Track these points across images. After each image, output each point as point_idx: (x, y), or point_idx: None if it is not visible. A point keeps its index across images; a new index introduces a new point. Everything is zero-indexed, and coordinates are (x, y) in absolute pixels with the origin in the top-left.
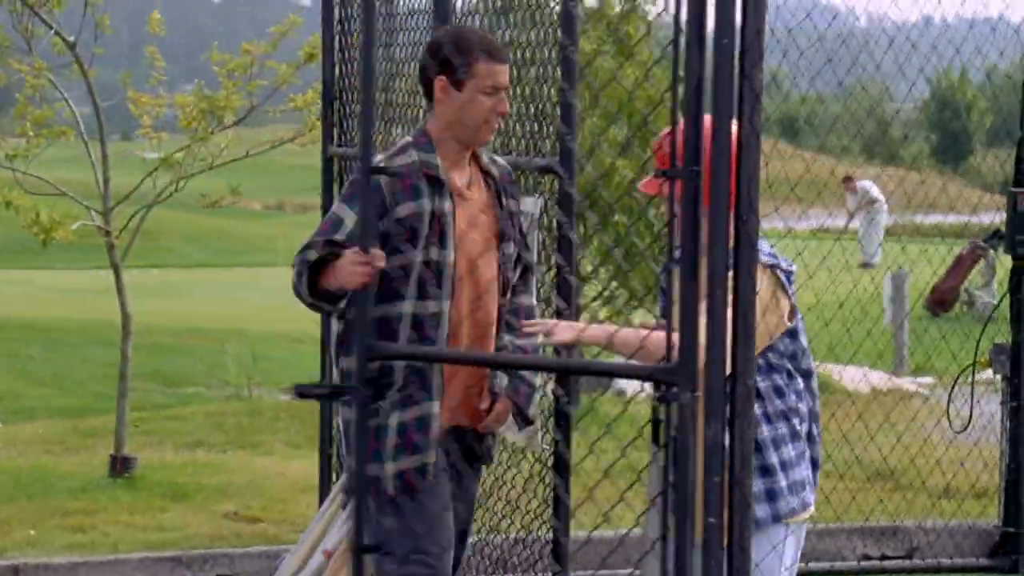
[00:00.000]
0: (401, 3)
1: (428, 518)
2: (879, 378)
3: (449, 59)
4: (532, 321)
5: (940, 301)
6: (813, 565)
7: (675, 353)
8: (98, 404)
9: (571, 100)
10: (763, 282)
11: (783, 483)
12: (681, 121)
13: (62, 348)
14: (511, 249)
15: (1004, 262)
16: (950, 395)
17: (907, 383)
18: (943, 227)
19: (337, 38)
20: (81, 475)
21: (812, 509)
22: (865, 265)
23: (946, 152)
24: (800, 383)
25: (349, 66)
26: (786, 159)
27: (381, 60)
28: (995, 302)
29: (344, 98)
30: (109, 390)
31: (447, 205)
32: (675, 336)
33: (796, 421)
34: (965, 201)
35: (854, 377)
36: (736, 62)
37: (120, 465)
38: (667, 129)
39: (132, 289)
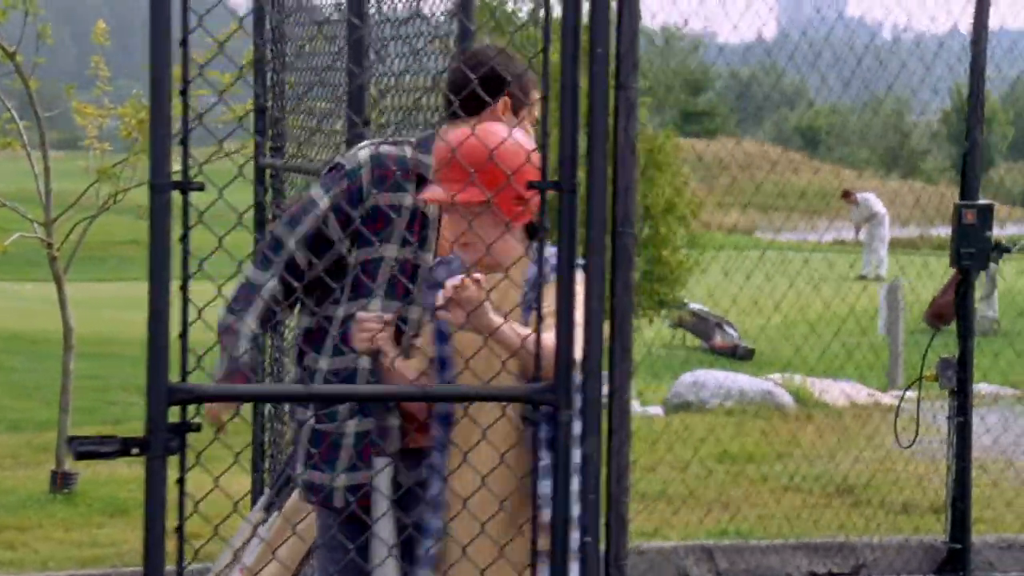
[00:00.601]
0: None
1: (367, 542)
2: (859, 392)
3: (518, 80)
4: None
5: (939, 315)
6: None
7: (544, 371)
8: (78, 417)
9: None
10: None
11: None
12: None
13: (47, 360)
14: None
15: (1004, 276)
16: (897, 410)
17: (889, 397)
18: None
19: (269, 48)
20: (22, 490)
21: None
22: (863, 277)
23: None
24: None
25: (280, 76)
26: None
27: (302, 70)
28: (995, 315)
29: (276, 109)
30: (91, 403)
31: (432, 208)
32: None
33: None
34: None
35: (833, 391)
36: (611, 71)
37: (61, 480)
38: (459, 132)
39: (137, 302)
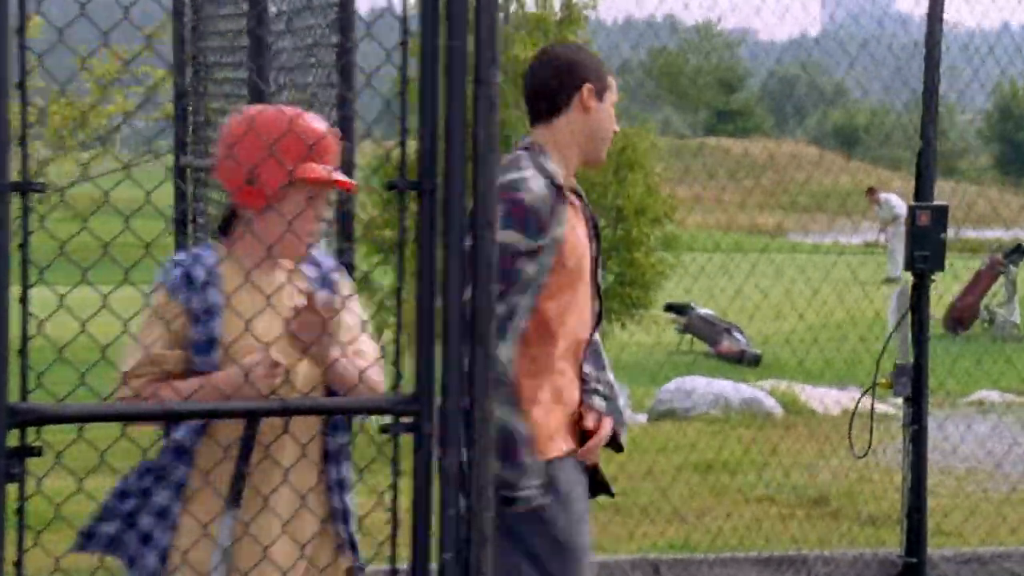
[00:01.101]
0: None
1: None
2: (853, 399)
3: (593, 68)
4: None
5: (958, 319)
6: None
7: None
8: None
9: (350, 114)
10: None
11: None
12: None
13: None
14: None
15: None
16: (852, 417)
17: (886, 405)
18: (1002, 242)
19: (189, 44)
20: None
21: None
22: (889, 280)
23: (1010, 164)
24: None
25: (203, 72)
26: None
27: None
28: (1016, 320)
29: (198, 106)
30: None
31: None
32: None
33: None
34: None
35: (825, 398)
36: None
37: None
38: (235, 123)
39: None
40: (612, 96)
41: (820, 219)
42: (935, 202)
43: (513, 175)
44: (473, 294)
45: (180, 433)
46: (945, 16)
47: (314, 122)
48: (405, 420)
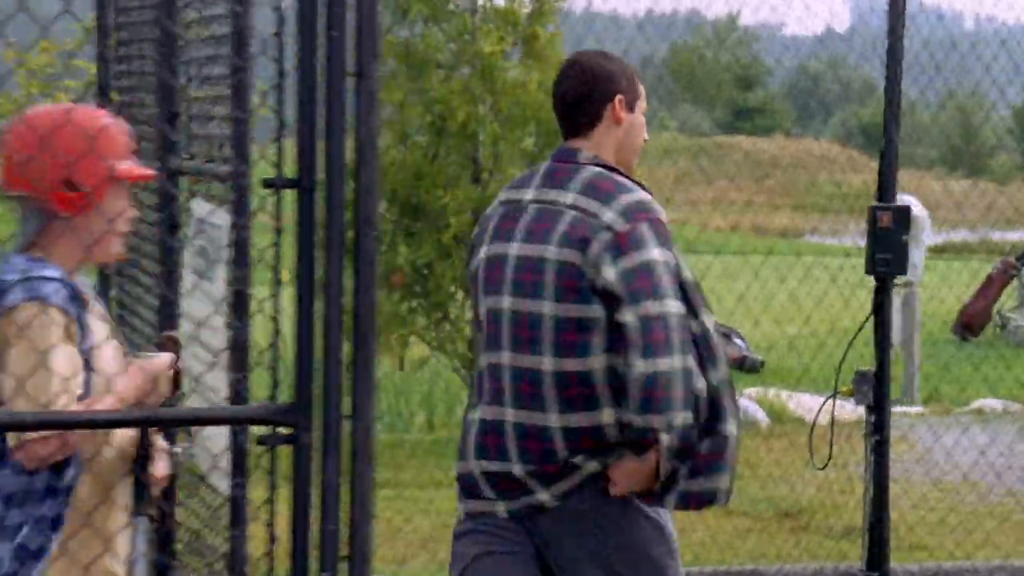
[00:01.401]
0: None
1: None
2: (846, 408)
3: (624, 77)
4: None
5: (967, 324)
6: None
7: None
8: None
9: (242, 116)
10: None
11: None
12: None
13: None
14: None
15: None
16: (812, 427)
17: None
18: (1015, 245)
19: (115, 35)
20: None
21: None
22: (905, 284)
23: None
24: None
25: (128, 66)
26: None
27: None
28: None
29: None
30: None
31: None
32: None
33: None
34: None
35: (815, 406)
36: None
37: None
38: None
39: None
40: (643, 104)
41: (838, 220)
42: (898, 203)
43: (636, 195)
44: (355, 294)
45: (68, 478)
46: (987, 12)
47: (109, 116)
48: (283, 431)
